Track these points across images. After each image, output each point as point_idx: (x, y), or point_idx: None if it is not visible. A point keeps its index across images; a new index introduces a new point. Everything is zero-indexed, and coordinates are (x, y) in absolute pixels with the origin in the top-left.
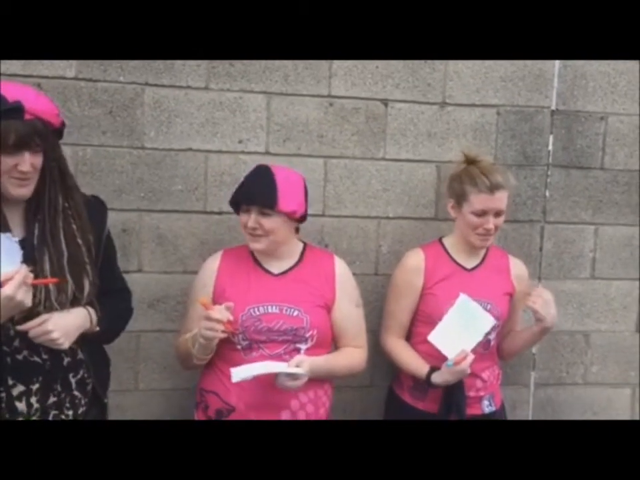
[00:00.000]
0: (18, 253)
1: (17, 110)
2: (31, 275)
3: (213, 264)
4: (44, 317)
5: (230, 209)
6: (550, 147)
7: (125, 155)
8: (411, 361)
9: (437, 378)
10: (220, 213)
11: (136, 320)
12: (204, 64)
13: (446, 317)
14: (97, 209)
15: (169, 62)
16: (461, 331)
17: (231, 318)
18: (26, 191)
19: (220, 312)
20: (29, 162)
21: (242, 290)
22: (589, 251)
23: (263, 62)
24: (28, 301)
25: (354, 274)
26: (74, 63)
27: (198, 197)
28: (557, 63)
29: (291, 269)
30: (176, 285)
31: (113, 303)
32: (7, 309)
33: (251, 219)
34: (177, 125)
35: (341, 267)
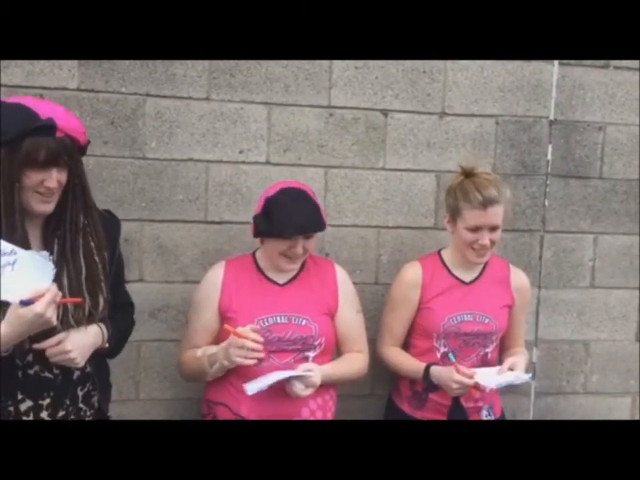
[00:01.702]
0: (50, 271)
1: (49, 127)
2: (60, 294)
3: (216, 276)
4: (61, 335)
5: (231, 219)
6: (549, 157)
7: (126, 165)
8: (408, 361)
9: (435, 371)
10: (220, 223)
11: (137, 329)
12: (205, 75)
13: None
14: (110, 223)
15: (170, 73)
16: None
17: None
18: (49, 207)
19: (255, 341)
20: (56, 178)
21: (249, 301)
22: (588, 260)
23: (264, 73)
24: (54, 320)
25: (354, 283)
26: (76, 73)
27: (199, 207)
28: (555, 73)
29: (295, 277)
30: (177, 294)
31: (121, 317)
32: (34, 326)
33: (299, 245)
34: (178, 136)
35: (342, 275)
